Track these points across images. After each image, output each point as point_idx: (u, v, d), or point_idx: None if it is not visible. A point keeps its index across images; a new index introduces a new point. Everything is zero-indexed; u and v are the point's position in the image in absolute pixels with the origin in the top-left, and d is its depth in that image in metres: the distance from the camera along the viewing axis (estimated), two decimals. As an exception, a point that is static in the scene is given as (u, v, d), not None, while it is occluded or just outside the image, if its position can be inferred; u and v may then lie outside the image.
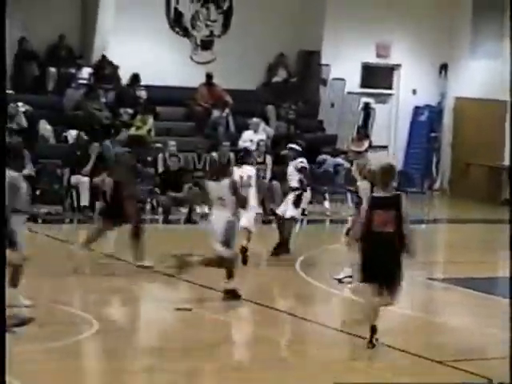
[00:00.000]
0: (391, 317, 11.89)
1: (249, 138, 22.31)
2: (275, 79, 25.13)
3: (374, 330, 10.30)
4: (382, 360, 10.51)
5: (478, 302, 13.93)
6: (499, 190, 25.24)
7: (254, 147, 21.46)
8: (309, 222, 20.67)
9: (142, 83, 23.23)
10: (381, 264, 10.24)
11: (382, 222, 10.33)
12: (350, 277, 13.87)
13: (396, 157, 24.93)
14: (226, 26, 24.89)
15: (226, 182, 12.48)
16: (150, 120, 22.42)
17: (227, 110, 23.56)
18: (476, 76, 25.89)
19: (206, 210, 20.47)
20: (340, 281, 14.22)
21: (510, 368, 8.95)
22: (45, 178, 19.94)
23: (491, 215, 22.20)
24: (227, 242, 12.44)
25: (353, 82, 25.62)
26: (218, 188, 12.45)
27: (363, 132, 23.52)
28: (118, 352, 10.55)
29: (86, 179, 19.83)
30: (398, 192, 10.61)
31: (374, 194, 10.63)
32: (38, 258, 15.45)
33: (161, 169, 20.93)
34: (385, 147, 24.65)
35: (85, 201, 19.87)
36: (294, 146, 16.64)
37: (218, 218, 12.47)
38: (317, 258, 16.57)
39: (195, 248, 16.85)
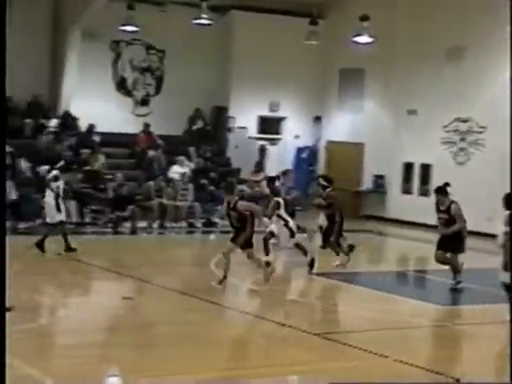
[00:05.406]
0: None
1: (176, 171, 23.44)
2: (194, 127, 26.19)
3: None
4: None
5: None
6: (359, 208, 26.54)
7: (179, 178, 22.97)
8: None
9: (97, 130, 24.00)
10: None
11: None
12: None
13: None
14: (158, 88, 26.05)
15: None
16: (102, 158, 23.27)
17: (159, 150, 24.52)
18: (341, 125, 27.51)
19: (145, 224, 21.31)
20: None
21: (511, 368, 8.52)
22: (23, 202, 20.30)
23: (354, 226, 22.03)
24: None
25: (252, 130, 27.13)
26: None
27: (259, 166, 25.62)
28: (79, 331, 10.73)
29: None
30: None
31: None
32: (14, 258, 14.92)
33: (111, 194, 21.55)
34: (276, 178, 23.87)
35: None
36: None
37: None
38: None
39: (136, 251, 18.13)
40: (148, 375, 8.95)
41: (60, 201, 17.02)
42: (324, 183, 16.90)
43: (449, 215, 14.36)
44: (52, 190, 16.97)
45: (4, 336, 7.30)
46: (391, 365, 9.91)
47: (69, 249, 16.73)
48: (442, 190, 14.73)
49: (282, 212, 15.44)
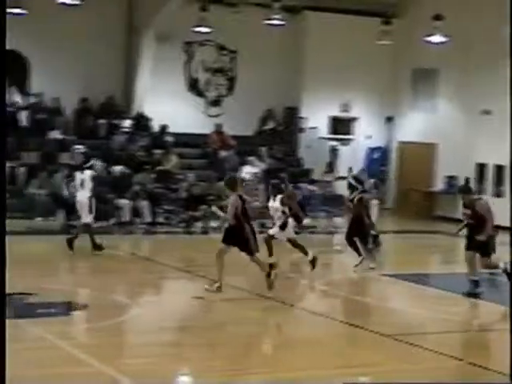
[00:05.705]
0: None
1: (247, 171, 23.54)
2: (266, 128, 26.76)
3: None
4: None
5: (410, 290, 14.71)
6: (431, 208, 26.64)
7: (251, 178, 22.99)
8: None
9: (169, 131, 24.40)
10: None
11: None
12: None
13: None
14: (230, 89, 26.49)
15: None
16: (174, 158, 23.61)
17: (231, 151, 25.02)
18: (414, 125, 27.50)
19: (217, 224, 20.79)
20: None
21: (511, 367, 8.45)
22: (97, 201, 18.79)
23: (426, 227, 23.68)
24: None
25: (323, 130, 27.26)
26: None
27: (331, 167, 25.46)
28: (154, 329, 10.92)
29: (128, 202, 20.88)
30: None
31: None
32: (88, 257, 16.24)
33: (184, 194, 21.76)
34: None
35: (126, 218, 20.88)
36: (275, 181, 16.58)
37: None
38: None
39: (208, 251, 17.49)
40: (220, 374, 9.04)
41: (93, 201, 17.05)
42: (355, 184, 16.58)
43: (473, 211, 13.92)
44: (88, 189, 17.06)
45: (4, 336, 7.23)
46: (464, 367, 9.83)
47: (70, 245, 16.62)
48: (464, 189, 14.89)
49: (286, 208, 15.54)
